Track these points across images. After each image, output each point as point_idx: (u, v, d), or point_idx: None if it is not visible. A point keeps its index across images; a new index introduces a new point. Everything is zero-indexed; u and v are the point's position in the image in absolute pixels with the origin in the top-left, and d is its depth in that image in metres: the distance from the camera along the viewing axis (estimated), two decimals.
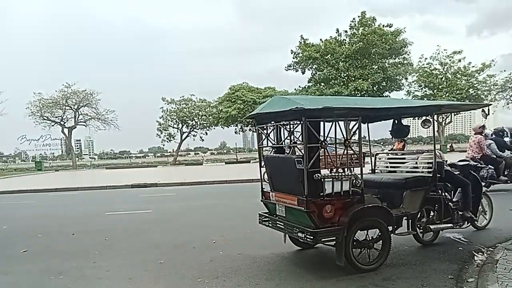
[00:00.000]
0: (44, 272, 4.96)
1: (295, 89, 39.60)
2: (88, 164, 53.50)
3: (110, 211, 9.76)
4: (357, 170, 4.38)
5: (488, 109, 5.63)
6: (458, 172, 5.71)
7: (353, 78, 34.50)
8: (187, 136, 46.68)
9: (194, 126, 46.05)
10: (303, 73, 38.24)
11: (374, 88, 35.63)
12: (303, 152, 4.20)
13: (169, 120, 45.34)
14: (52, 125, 41.73)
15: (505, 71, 39.57)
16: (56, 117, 41.59)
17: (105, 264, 5.21)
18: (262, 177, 5.20)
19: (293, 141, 4.85)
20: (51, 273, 4.88)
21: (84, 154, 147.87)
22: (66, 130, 42.43)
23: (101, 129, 42.85)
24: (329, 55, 36.29)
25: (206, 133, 46.91)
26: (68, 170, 39.31)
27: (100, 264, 5.20)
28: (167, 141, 46.77)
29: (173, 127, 45.98)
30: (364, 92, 34.11)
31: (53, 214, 9.77)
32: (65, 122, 42.22)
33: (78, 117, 42.41)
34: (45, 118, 41.00)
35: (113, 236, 6.98)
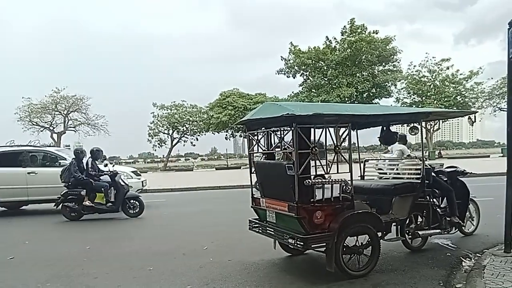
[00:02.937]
0: (31, 279, 4.87)
1: (288, 96, 39.83)
2: None
3: (99, 217, 9.65)
4: (347, 176, 4.42)
5: (475, 117, 5.70)
6: (446, 179, 5.77)
7: (342, 85, 34.81)
8: (178, 141, 46.56)
9: (185, 132, 45.93)
10: (293, 77, 38.52)
11: (364, 95, 36.02)
12: (293, 158, 4.22)
13: (159, 126, 45.21)
14: (41, 130, 41.26)
15: (492, 78, 40.34)
16: (45, 122, 41.17)
17: (93, 271, 5.14)
18: (252, 183, 5.21)
19: (283, 147, 4.87)
20: (38, 281, 4.80)
21: None
22: (55, 136, 41.98)
23: (90, 135, 42.51)
24: (321, 61, 36.64)
25: (197, 139, 46.82)
26: None
27: (88, 271, 5.13)
28: (158, 147, 46.61)
29: (164, 133, 45.83)
30: (354, 99, 34.44)
31: (40, 221, 9.64)
32: (54, 128, 41.83)
33: (68, 122, 42.02)
34: (34, 123, 40.56)
35: (101, 243, 6.90)
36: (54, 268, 5.35)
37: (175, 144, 46.80)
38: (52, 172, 10.44)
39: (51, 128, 41.59)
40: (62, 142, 40.19)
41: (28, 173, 10.53)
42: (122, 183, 9.63)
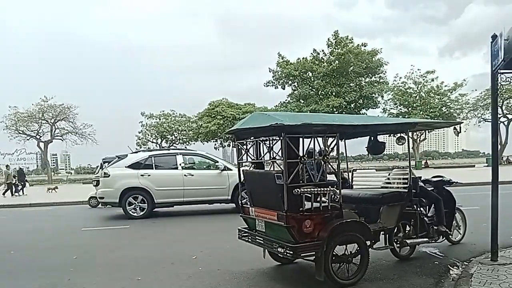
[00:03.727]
0: None
1: (275, 106, 40.08)
2: (64, 179, 52.33)
3: (87, 226, 9.53)
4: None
5: (460, 127, 5.81)
6: (432, 188, 5.85)
7: (330, 95, 35.20)
8: None
9: (173, 141, 45.82)
10: (283, 88, 38.85)
11: (351, 105, 36.44)
12: (282, 168, 4.24)
13: (148, 135, 45.06)
14: (28, 139, 40.82)
15: (476, 90, 41.23)
16: (32, 131, 40.74)
17: (80, 281, 5.06)
18: (241, 192, 5.22)
19: (272, 156, 4.89)
20: None
21: (60, 169, 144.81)
22: (42, 144, 41.49)
23: (78, 144, 42.16)
24: (308, 72, 37.04)
25: (186, 148, 46.73)
26: (44, 184, 38.19)
27: (75, 282, 5.05)
28: None
29: (152, 142, 45.63)
30: (342, 109, 34.81)
31: (26, 230, 9.47)
32: (41, 136, 41.37)
33: (55, 131, 41.61)
34: (20, 132, 40.10)
35: (89, 252, 6.81)
36: (40, 278, 5.25)
37: None
38: (207, 174, 10.92)
39: (38, 137, 41.13)
40: (49, 151, 39.76)
41: (185, 175, 10.71)
42: None
